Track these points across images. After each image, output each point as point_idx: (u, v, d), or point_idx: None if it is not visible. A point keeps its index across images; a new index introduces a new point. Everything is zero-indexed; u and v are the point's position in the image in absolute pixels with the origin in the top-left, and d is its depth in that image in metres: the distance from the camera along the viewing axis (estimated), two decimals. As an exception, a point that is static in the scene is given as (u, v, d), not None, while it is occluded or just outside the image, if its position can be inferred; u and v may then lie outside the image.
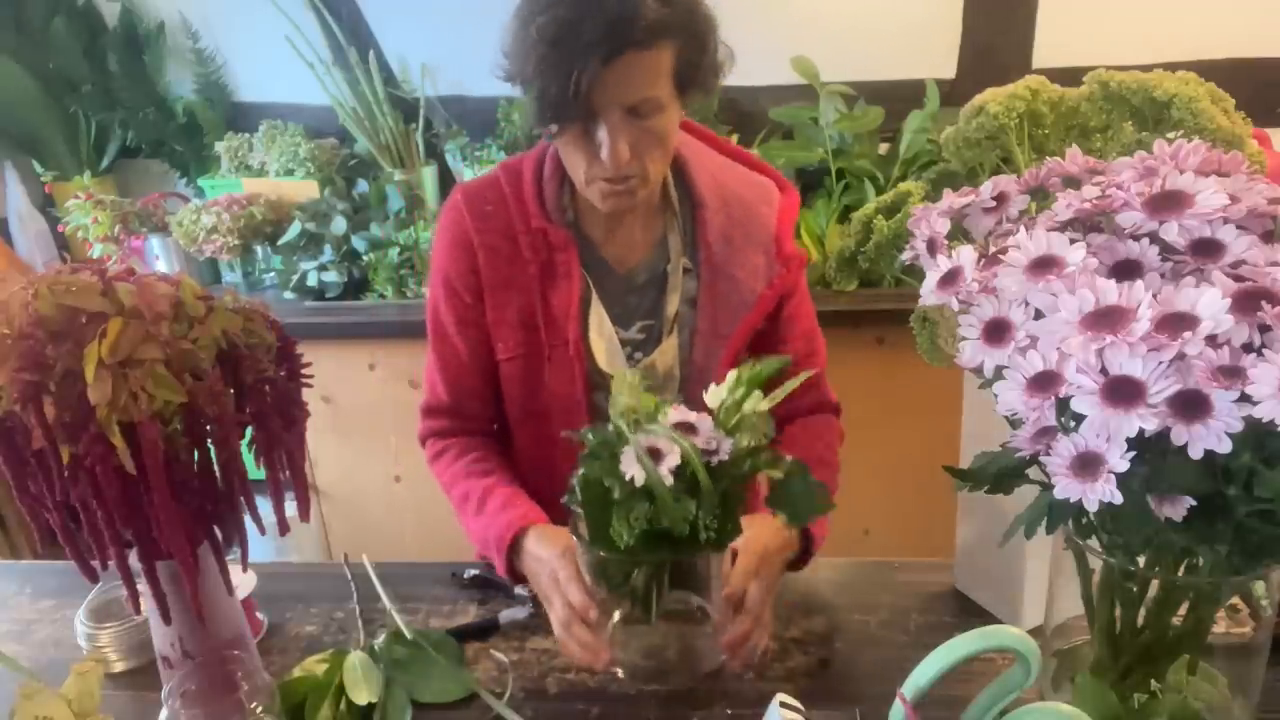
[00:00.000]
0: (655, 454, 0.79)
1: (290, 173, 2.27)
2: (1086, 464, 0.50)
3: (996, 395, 0.54)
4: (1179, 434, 0.48)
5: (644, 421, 0.83)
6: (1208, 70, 0.82)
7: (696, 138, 1.17)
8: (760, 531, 0.93)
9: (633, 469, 0.79)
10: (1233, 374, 0.48)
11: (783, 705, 0.74)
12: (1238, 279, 0.51)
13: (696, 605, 0.88)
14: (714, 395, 0.86)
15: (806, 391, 1.11)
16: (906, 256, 0.68)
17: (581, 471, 0.84)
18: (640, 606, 0.86)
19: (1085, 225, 0.59)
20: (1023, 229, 0.57)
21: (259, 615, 1.02)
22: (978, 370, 0.57)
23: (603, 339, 1.08)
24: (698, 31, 0.97)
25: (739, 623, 0.88)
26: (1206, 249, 0.53)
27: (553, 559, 0.92)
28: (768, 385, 0.86)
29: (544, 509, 1.03)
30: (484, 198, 1.11)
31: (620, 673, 0.92)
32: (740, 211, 1.11)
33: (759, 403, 0.84)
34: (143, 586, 0.73)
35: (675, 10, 0.93)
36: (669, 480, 0.78)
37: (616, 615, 0.87)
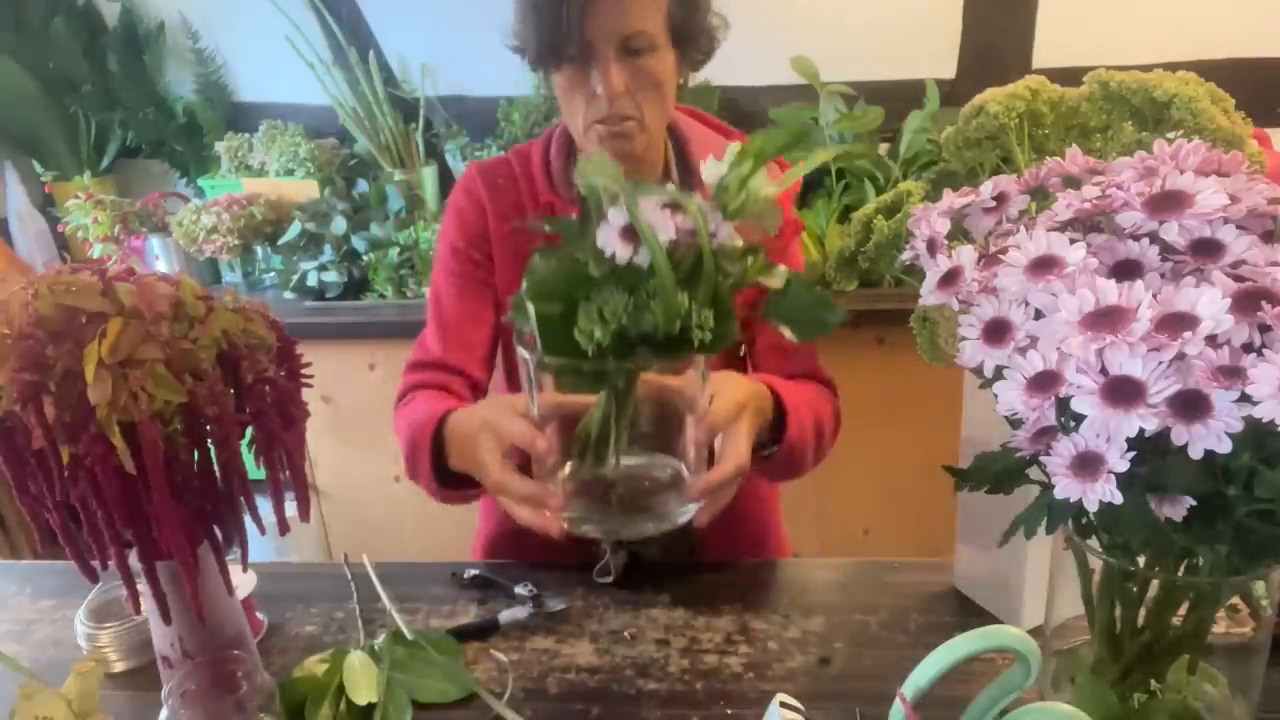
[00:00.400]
0: (632, 232, 0.67)
1: (290, 173, 2.27)
2: (1086, 464, 0.50)
3: (996, 395, 0.54)
4: (1179, 434, 0.48)
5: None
6: (1208, 70, 0.82)
7: (697, 120, 1.20)
8: (737, 383, 0.89)
9: (614, 245, 0.66)
10: (1233, 374, 0.48)
11: (783, 705, 0.74)
12: (1238, 279, 0.51)
13: (658, 460, 0.80)
14: (711, 169, 0.73)
15: (800, 364, 1.14)
16: (906, 256, 0.68)
17: (534, 264, 0.71)
18: (595, 452, 0.75)
19: (1085, 225, 0.59)
20: (1023, 229, 0.57)
21: (259, 615, 1.02)
22: (978, 370, 0.57)
23: None
24: None
25: (723, 463, 0.83)
26: (1206, 249, 0.53)
27: (484, 409, 0.87)
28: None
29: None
30: (497, 173, 1.16)
31: (568, 525, 0.81)
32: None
33: (765, 184, 0.70)
34: (143, 586, 0.73)
35: None
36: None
37: (566, 469, 0.78)
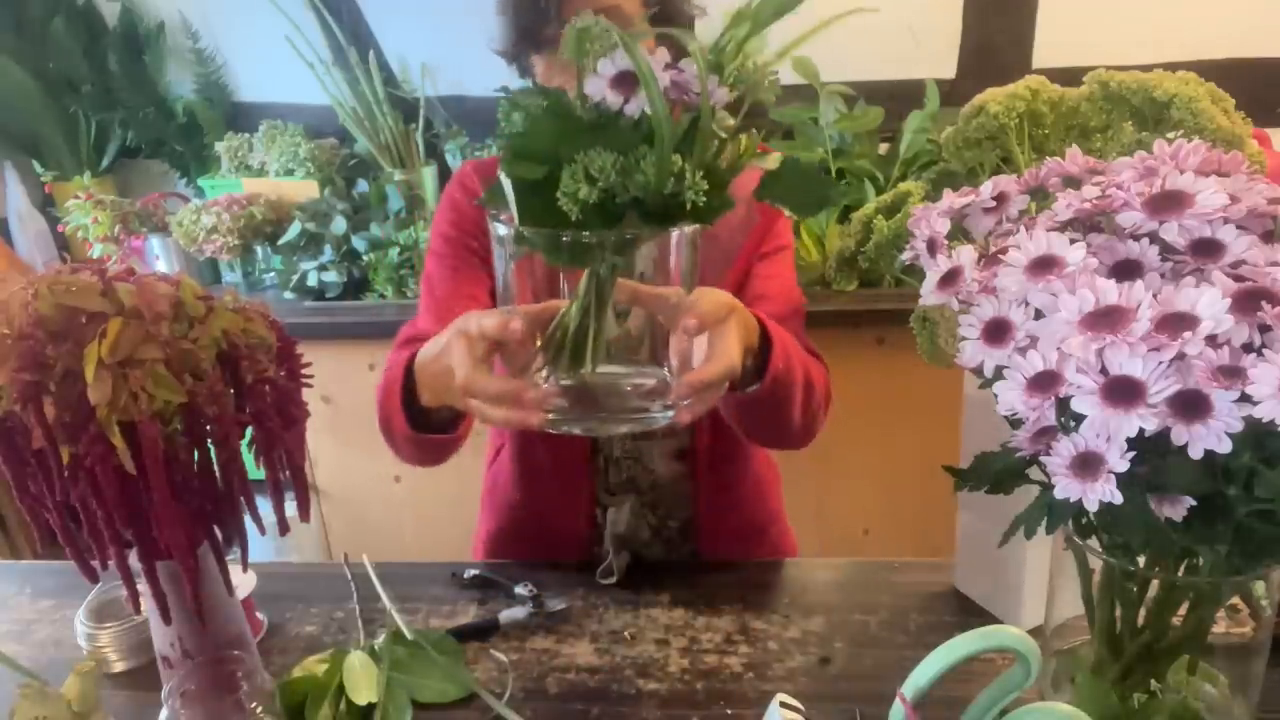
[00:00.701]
0: (624, 81, 0.62)
1: (290, 173, 2.27)
2: (1086, 464, 0.50)
3: (996, 395, 0.54)
4: (1179, 434, 0.48)
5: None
6: (1208, 70, 0.82)
7: None
8: (722, 292, 0.82)
9: (603, 90, 0.62)
10: (1233, 374, 0.48)
11: (783, 705, 0.74)
12: (1238, 279, 0.51)
13: (642, 369, 0.76)
14: (706, 32, 0.70)
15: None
16: (906, 256, 0.68)
17: (508, 119, 0.66)
18: (572, 350, 0.70)
19: (1085, 225, 0.59)
20: (1023, 229, 0.57)
21: (259, 615, 1.02)
22: (978, 370, 0.57)
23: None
24: None
25: (711, 362, 0.76)
26: (1206, 249, 0.53)
27: (451, 325, 0.80)
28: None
29: (539, 475, 1.03)
30: (493, 174, 1.12)
31: (546, 423, 0.74)
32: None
33: (764, 48, 0.67)
34: (143, 586, 0.73)
35: None
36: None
37: (538, 361, 0.73)
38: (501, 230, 0.70)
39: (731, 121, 0.67)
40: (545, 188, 0.63)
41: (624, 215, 0.63)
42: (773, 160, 0.69)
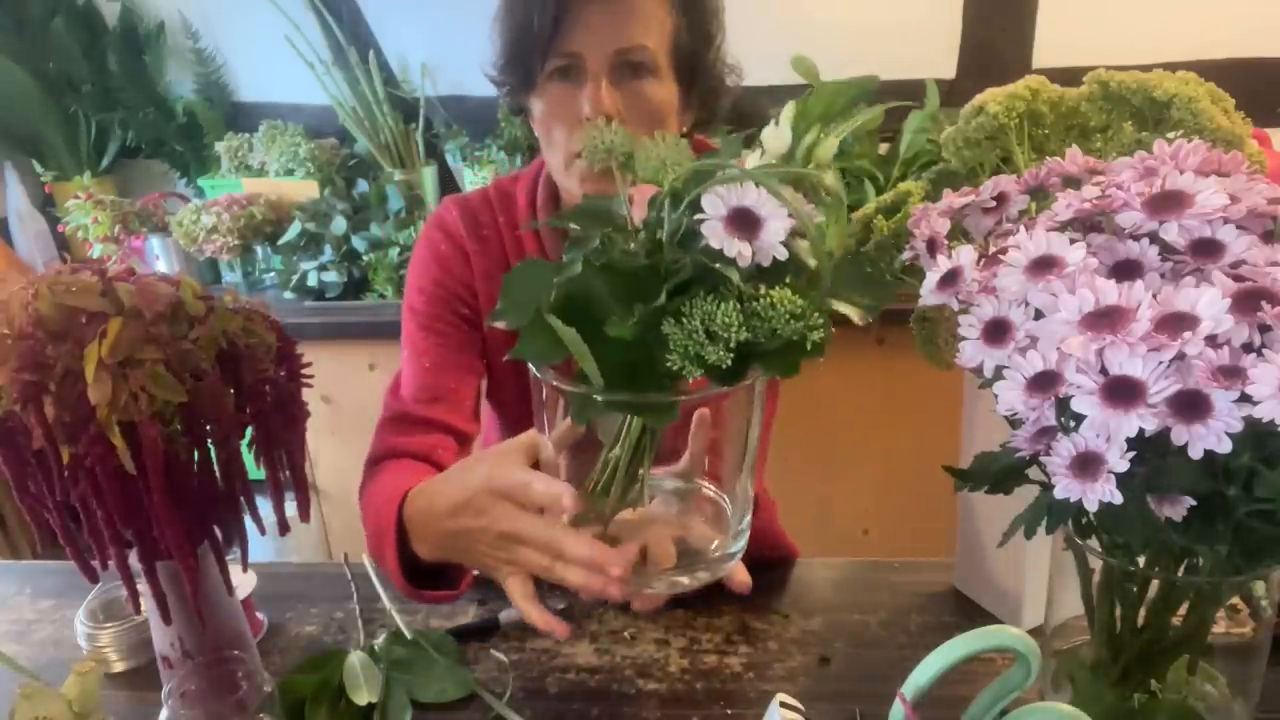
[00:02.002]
0: (745, 218, 0.53)
1: (290, 173, 2.28)
2: (1086, 464, 0.50)
3: (996, 395, 0.54)
4: (1179, 434, 0.48)
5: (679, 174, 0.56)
6: (1208, 70, 0.82)
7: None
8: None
9: (727, 242, 0.53)
10: (1233, 374, 0.48)
11: (783, 705, 0.74)
12: (1238, 279, 0.51)
13: (683, 485, 0.70)
14: (774, 138, 0.61)
15: None
16: (906, 256, 0.68)
17: (564, 282, 0.57)
18: (619, 487, 0.64)
19: (1085, 225, 0.59)
20: (1023, 229, 0.57)
21: (259, 615, 1.02)
22: (978, 370, 0.57)
23: None
24: (697, 2, 0.90)
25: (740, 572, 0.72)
26: (1206, 249, 0.53)
27: (473, 466, 0.71)
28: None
29: None
30: (479, 221, 1.02)
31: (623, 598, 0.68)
32: None
33: (831, 146, 0.60)
34: (143, 586, 0.73)
35: None
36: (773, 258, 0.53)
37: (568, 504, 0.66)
38: (557, 384, 0.62)
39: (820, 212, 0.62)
40: (630, 345, 0.56)
41: (744, 368, 0.57)
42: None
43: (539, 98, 0.90)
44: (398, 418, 1.02)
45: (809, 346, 0.57)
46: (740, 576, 0.75)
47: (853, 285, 0.62)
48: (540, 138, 0.93)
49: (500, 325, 0.61)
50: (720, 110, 0.97)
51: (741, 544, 0.72)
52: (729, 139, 0.62)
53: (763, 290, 0.56)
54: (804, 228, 0.55)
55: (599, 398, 0.59)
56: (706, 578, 0.71)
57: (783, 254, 0.54)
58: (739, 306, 0.55)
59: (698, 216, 0.55)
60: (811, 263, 0.57)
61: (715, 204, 0.55)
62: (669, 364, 0.55)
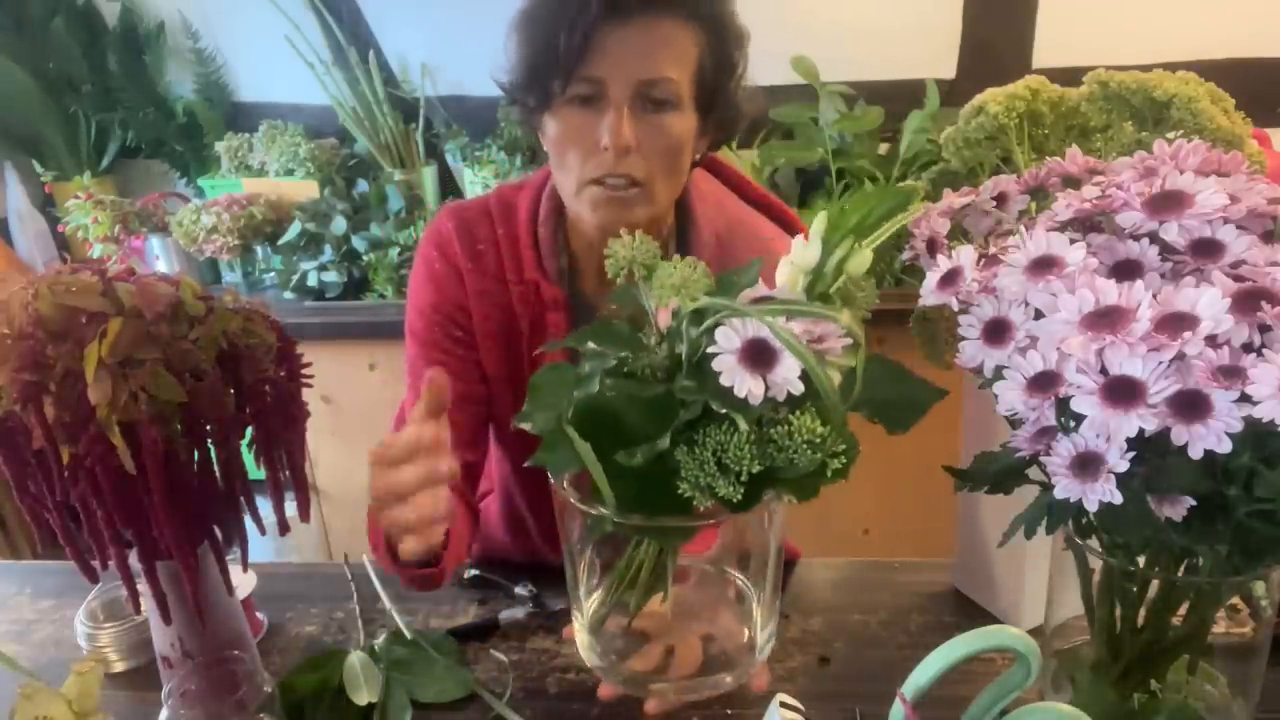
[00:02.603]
0: (759, 352, 0.52)
1: (290, 173, 2.28)
2: (1086, 464, 0.50)
3: (996, 395, 0.54)
4: (1179, 434, 0.48)
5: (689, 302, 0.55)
6: (1208, 70, 0.82)
7: (722, 179, 1.06)
8: None
9: (740, 380, 0.51)
10: (1233, 374, 0.48)
11: (783, 705, 0.74)
12: (1238, 279, 0.51)
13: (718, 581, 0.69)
14: (803, 253, 0.58)
15: None
16: (906, 256, 0.68)
17: (583, 399, 0.56)
18: (641, 588, 0.64)
19: (1085, 225, 0.59)
20: (1023, 229, 0.57)
21: (259, 615, 1.01)
22: (978, 370, 0.57)
23: None
24: (723, 33, 0.88)
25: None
26: (1206, 249, 0.53)
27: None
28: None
29: (523, 523, 0.96)
30: (476, 235, 1.00)
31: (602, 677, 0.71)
32: None
33: (865, 259, 0.57)
34: (143, 586, 0.73)
35: None
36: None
37: (591, 604, 0.68)
38: (590, 514, 0.61)
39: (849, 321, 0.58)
40: (644, 468, 0.55)
41: (758, 493, 0.56)
42: (853, 357, 0.59)
43: (555, 118, 0.88)
44: None
45: (829, 474, 0.55)
46: (760, 681, 0.75)
47: (879, 388, 0.59)
48: (552, 158, 0.91)
49: (525, 427, 0.60)
50: (734, 131, 0.96)
51: (769, 644, 0.70)
52: (748, 269, 0.60)
53: (783, 415, 0.54)
54: (810, 368, 0.52)
55: (613, 517, 0.59)
56: (729, 684, 0.70)
57: (798, 389, 0.52)
58: (754, 435, 0.53)
59: (710, 349, 0.53)
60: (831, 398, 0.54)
61: (729, 337, 0.53)
62: (680, 492, 0.54)
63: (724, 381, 0.52)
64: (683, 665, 0.70)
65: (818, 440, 0.53)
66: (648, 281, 0.59)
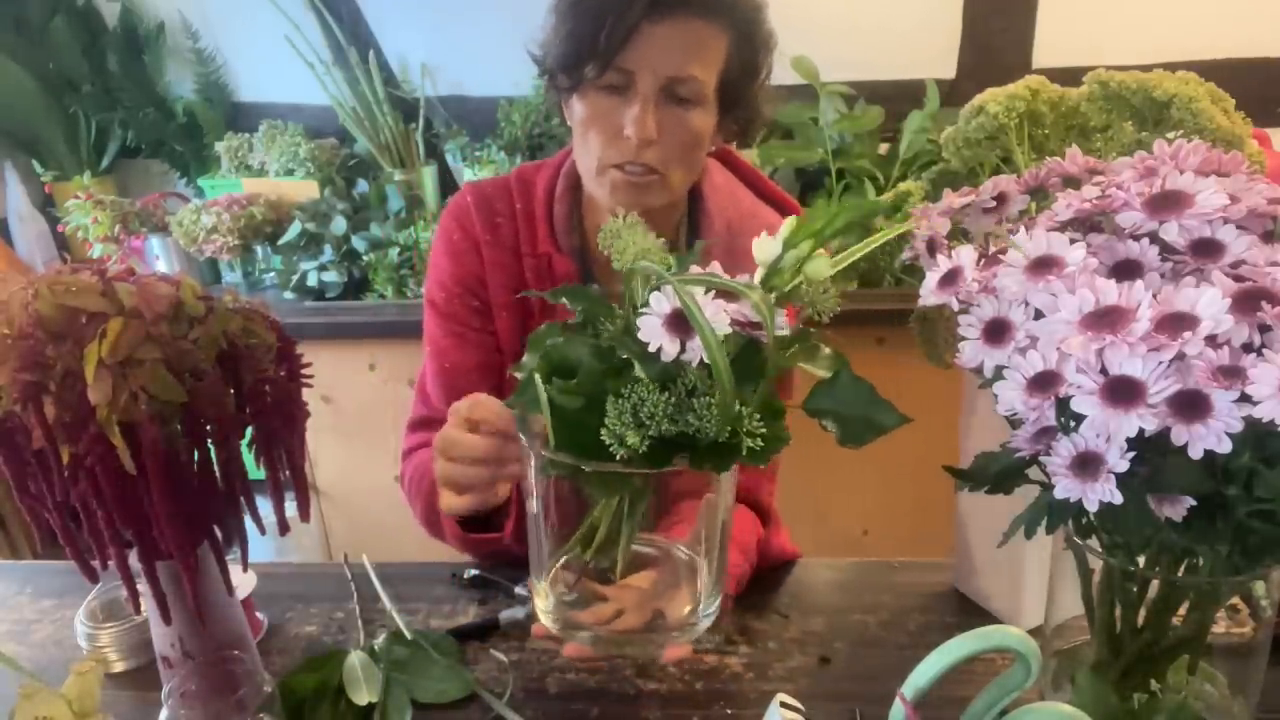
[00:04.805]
0: (681, 320, 0.56)
1: (290, 173, 2.28)
2: (1086, 464, 0.50)
3: (996, 395, 0.54)
4: (1179, 434, 0.48)
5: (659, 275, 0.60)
6: (1208, 70, 0.82)
7: (737, 174, 1.09)
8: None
9: (660, 338, 0.56)
10: (1233, 374, 0.48)
11: (783, 705, 0.74)
12: (1238, 279, 0.51)
13: (663, 549, 0.72)
14: (764, 247, 0.63)
15: (747, 480, 1.02)
16: (906, 256, 0.68)
17: (549, 343, 0.62)
18: (596, 552, 0.67)
19: (1085, 225, 0.59)
20: (1023, 229, 0.57)
21: (259, 615, 1.01)
22: (978, 370, 0.57)
23: None
24: (754, 37, 0.91)
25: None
26: (1206, 249, 0.53)
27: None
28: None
29: None
30: (494, 209, 1.04)
31: (563, 638, 0.72)
32: (748, 266, 1.04)
33: (824, 265, 0.62)
34: (143, 586, 0.73)
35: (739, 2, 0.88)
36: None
37: (549, 568, 0.71)
38: (527, 445, 0.66)
39: (787, 331, 0.62)
40: (587, 412, 0.59)
41: (672, 456, 0.58)
42: (826, 363, 0.63)
43: (582, 100, 0.91)
44: (423, 419, 1.10)
45: (744, 452, 0.58)
46: (673, 654, 0.76)
47: (841, 404, 0.62)
48: (575, 136, 0.94)
49: (517, 375, 0.65)
50: (751, 129, 0.99)
51: (705, 625, 0.73)
52: (695, 249, 0.67)
53: (708, 386, 0.57)
54: (705, 340, 0.55)
55: (549, 456, 0.62)
56: (656, 652, 0.74)
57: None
58: (674, 399, 0.57)
59: (641, 310, 0.58)
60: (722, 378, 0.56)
61: (659, 301, 0.58)
62: (601, 438, 0.58)
63: (641, 337, 0.57)
64: (618, 627, 0.72)
65: (737, 416, 0.56)
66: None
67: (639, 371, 0.58)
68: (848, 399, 0.62)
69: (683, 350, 0.57)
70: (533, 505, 0.69)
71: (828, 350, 0.63)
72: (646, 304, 0.59)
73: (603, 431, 0.58)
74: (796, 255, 0.62)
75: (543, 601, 0.73)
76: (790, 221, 0.63)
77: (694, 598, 0.73)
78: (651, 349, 0.57)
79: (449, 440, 0.81)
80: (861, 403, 0.62)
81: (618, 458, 0.58)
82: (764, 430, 0.58)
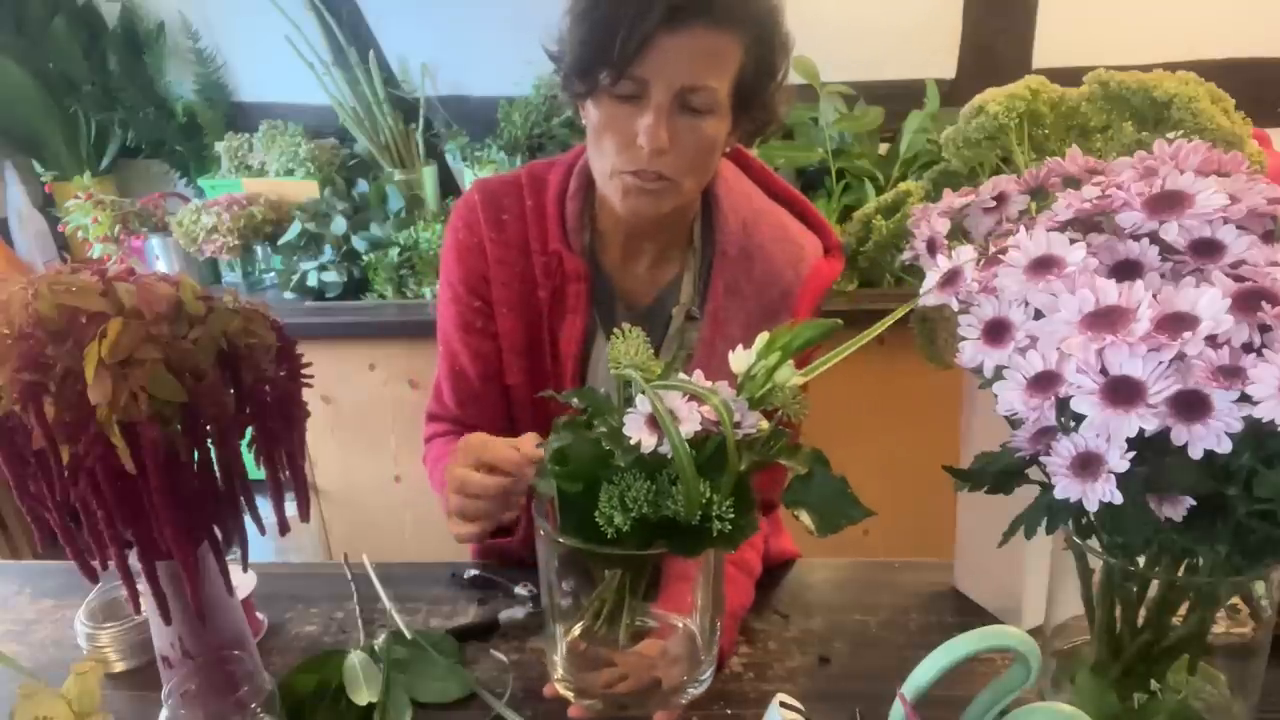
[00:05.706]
0: (656, 421, 0.65)
1: (290, 173, 2.28)
2: (1086, 464, 0.50)
3: (996, 395, 0.54)
4: (1179, 434, 0.48)
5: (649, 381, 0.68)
6: (1208, 70, 0.82)
7: (749, 173, 1.09)
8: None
9: (640, 433, 0.64)
10: (1233, 374, 0.48)
11: (783, 705, 0.74)
12: (1238, 279, 0.51)
13: (664, 621, 0.79)
14: (739, 359, 0.72)
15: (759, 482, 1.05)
16: (906, 256, 0.68)
17: (556, 440, 0.70)
18: (604, 623, 0.75)
19: (1085, 225, 0.59)
20: (1023, 229, 0.57)
21: (259, 615, 1.02)
22: (978, 370, 0.57)
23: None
24: (770, 41, 0.91)
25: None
26: (1206, 249, 0.53)
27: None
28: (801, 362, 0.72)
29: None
30: (502, 205, 1.04)
31: (574, 699, 0.79)
32: (761, 268, 1.03)
33: (792, 374, 0.69)
34: (143, 586, 0.73)
35: (756, 6, 0.88)
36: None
37: (563, 636, 0.78)
38: (543, 527, 0.73)
39: (766, 425, 0.68)
40: (586, 496, 0.67)
41: (655, 535, 0.67)
42: (803, 460, 0.69)
43: (597, 105, 0.91)
44: (437, 414, 1.14)
45: (714, 535, 0.65)
46: (664, 718, 0.80)
47: (817, 497, 0.69)
48: (589, 139, 0.95)
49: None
50: (765, 129, 1.00)
51: (696, 692, 0.79)
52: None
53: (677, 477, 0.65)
54: (669, 435, 0.63)
55: (558, 538, 0.71)
56: (651, 711, 0.80)
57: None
58: (654, 487, 0.65)
59: (628, 411, 0.66)
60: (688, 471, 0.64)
61: (642, 403, 0.66)
62: (597, 519, 0.66)
63: (625, 432, 0.65)
64: (624, 691, 0.77)
65: (703, 503, 0.64)
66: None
67: (619, 460, 0.65)
68: (824, 493, 0.69)
69: (660, 443, 0.64)
70: (545, 579, 0.76)
71: (806, 449, 0.71)
72: (633, 403, 0.67)
73: (596, 514, 0.66)
74: (766, 365, 0.70)
75: (556, 671, 0.79)
76: (762, 339, 0.71)
77: (690, 665, 0.78)
78: (631, 442, 0.64)
79: (460, 479, 0.86)
80: (835, 497, 0.69)
81: (608, 538, 0.66)
82: (732, 517, 0.65)
